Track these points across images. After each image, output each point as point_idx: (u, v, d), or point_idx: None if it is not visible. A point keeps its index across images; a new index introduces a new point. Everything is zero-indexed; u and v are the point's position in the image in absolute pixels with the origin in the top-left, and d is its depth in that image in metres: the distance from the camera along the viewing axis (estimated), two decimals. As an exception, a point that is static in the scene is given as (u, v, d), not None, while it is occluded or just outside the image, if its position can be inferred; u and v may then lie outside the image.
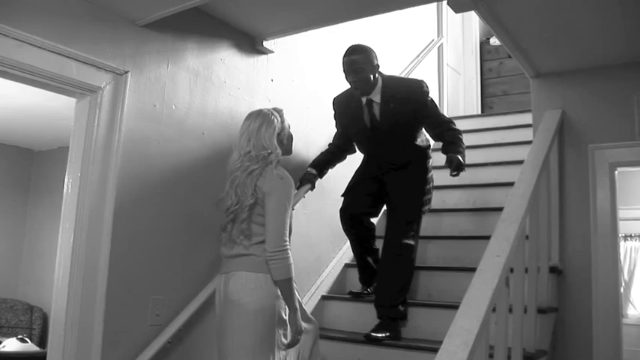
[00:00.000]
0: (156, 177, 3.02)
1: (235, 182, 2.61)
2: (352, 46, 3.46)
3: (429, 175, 3.61)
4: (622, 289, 5.60)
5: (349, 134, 3.74)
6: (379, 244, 3.69)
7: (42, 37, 2.54)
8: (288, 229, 2.57)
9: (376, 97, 3.48)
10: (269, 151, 2.62)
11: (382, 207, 3.80)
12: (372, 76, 3.43)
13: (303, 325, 2.63)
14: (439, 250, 4.08)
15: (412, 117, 3.47)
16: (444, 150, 3.45)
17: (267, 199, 2.56)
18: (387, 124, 3.48)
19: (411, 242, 3.46)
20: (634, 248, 7.36)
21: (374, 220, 3.88)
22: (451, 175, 3.31)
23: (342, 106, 3.69)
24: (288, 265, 2.52)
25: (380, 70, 3.51)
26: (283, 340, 2.55)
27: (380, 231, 3.75)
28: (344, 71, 3.46)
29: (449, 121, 3.55)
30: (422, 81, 3.56)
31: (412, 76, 5.39)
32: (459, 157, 3.29)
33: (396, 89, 3.49)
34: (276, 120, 2.70)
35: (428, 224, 3.58)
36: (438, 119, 3.54)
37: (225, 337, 2.55)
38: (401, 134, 3.52)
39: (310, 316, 2.85)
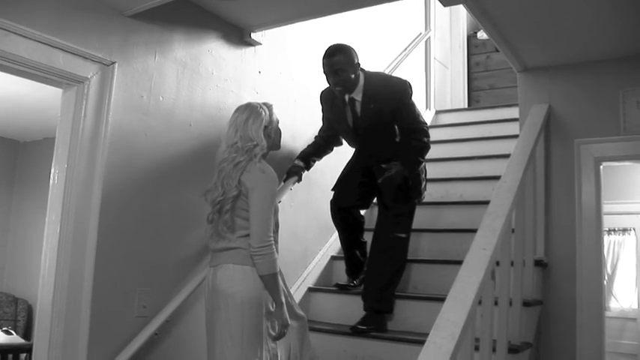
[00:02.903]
0: (143, 168, 3.01)
1: (222, 174, 2.61)
2: (331, 46, 3.41)
3: (420, 166, 3.57)
4: (605, 283, 5.66)
5: (335, 129, 3.74)
6: (368, 236, 3.70)
7: (29, 27, 2.52)
8: (272, 224, 2.57)
9: (358, 95, 3.46)
10: (255, 142, 2.62)
11: (373, 199, 3.81)
12: (352, 76, 3.40)
13: (290, 321, 2.64)
14: (426, 242, 4.10)
15: (391, 116, 3.45)
16: (396, 155, 3.46)
17: (251, 195, 2.56)
18: (368, 122, 3.47)
19: (402, 235, 3.47)
20: (617, 242, 7.43)
21: (364, 212, 3.89)
22: (378, 181, 3.39)
23: (328, 101, 3.68)
24: (273, 261, 2.53)
25: (362, 67, 3.48)
26: (271, 332, 2.56)
27: (372, 223, 3.75)
28: (324, 72, 3.43)
29: (422, 130, 3.48)
30: (406, 82, 3.52)
31: (399, 69, 5.40)
32: (399, 171, 3.34)
33: (378, 88, 3.46)
34: (264, 113, 2.70)
35: (415, 217, 3.59)
36: (412, 125, 3.47)
37: (214, 328, 2.56)
38: (381, 132, 3.50)
39: (298, 311, 2.85)
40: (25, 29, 2.51)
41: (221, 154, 2.67)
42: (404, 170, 3.36)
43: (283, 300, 2.58)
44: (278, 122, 2.81)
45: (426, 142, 3.49)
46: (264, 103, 2.76)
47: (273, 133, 2.76)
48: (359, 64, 3.45)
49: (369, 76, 3.51)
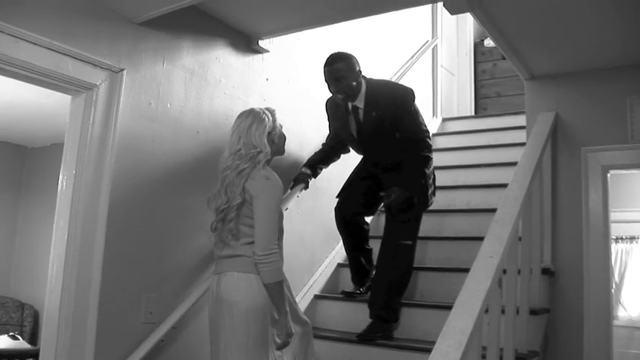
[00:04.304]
0: (150, 175, 3.01)
1: (226, 181, 2.60)
2: (332, 55, 3.42)
3: (428, 172, 3.53)
4: (613, 291, 5.63)
5: (340, 137, 3.75)
6: (374, 243, 3.69)
7: (38, 34, 2.53)
8: (276, 231, 2.55)
9: (360, 103, 3.45)
10: (259, 149, 2.61)
11: (379, 206, 3.81)
12: (354, 83, 3.38)
13: (295, 327, 2.63)
14: (432, 250, 4.09)
15: (393, 124, 3.42)
16: (396, 170, 3.45)
17: (255, 202, 2.53)
18: (370, 130, 3.46)
19: (409, 242, 3.45)
20: (625, 250, 7.38)
21: (369, 220, 3.88)
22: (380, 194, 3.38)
23: (333, 109, 3.69)
24: (278, 269, 2.51)
25: (364, 74, 3.48)
26: (276, 339, 2.55)
27: (380, 231, 3.75)
28: (325, 81, 3.43)
29: (421, 140, 3.43)
30: (409, 89, 3.50)
31: (406, 77, 5.41)
32: (398, 195, 3.30)
33: (380, 95, 3.44)
34: (267, 119, 2.68)
35: (421, 224, 3.58)
36: (412, 134, 3.43)
37: (218, 336, 2.55)
38: (385, 140, 3.48)
39: (303, 317, 2.84)
40: (35, 36, 2.52)
41: (224, 162, 2.65)
42: (404, 192, 3.32)
43: (287, 309, 2.56)
44: (281, 127, 2.79)
45: (427, 154, 3.44)
46: (267, 109, 2.75)
47: (277, 138, 2.74)
48: (360, 72, 3.44)
49: (371, 83, 3.49)
